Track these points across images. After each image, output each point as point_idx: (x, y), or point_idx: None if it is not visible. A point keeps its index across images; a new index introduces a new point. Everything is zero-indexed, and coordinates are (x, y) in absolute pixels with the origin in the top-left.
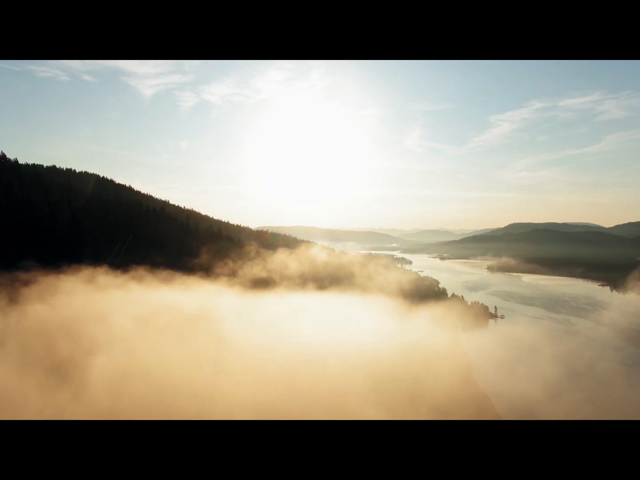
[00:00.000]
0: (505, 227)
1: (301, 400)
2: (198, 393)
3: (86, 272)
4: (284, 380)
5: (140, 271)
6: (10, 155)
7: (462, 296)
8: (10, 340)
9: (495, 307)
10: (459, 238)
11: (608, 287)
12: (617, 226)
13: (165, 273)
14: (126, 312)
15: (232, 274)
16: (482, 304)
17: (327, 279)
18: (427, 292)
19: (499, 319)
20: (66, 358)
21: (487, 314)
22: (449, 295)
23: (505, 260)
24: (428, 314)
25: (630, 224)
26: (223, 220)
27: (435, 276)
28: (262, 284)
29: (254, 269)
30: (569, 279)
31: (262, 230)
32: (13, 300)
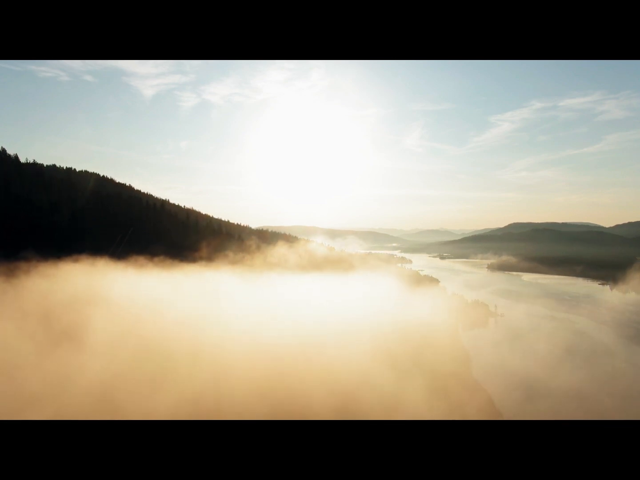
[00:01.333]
0: (505, 227)
1: (298, 377)
2: (196, 358)
3: (86, 261)
4: (282, 354)
5: (141, 260)
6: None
7: (462, 295)
8: (10, 312)
9: (496, 306)
10: (459, 238)
11: (608, 286)
12: (617, 226)
13: (165, 262)
14: (125, 289)
15: (233, 264)
16: (482, 302)
17: (328, 271)
18: (427, 291)
19: (499, 317)
20: (65, 324)
21: (487, 312)
22: (449, 293)
23: (505, 259)
24: (428, 312)
25: (630, 223)
26: (223, 219)
27: (436, 275)
28: (263, 271)
29: (255, 261)
30: (569, 277)
31: (262, 229)
32: (13, 281)
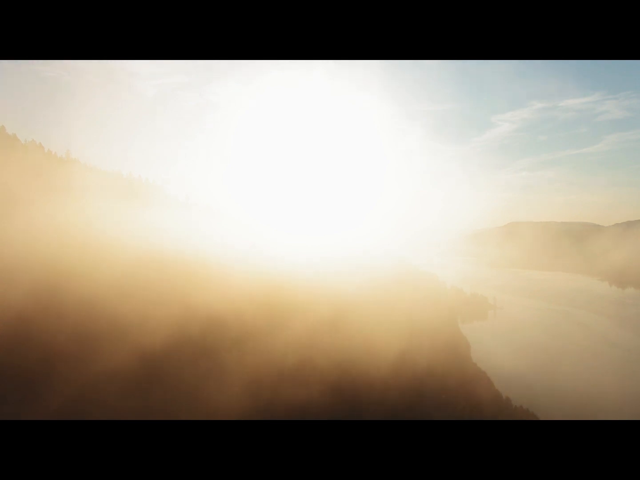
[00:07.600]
0: (505, 226)
1: None
2: None
3: None
4: None
5: None
6: None
7: (462, 289)
8: None
9: (495, 299)
10: (459, 236)
11: (607, 282)
12: (616, 225)
13: None
14: None
15: None
16: (481, 295)
17: None
18: (426, 285)
19: (498, 309)
20: None
21: (486, 305)
22: (449, 287)
23: (505, 256)
24: (428, 305)
25: (628, 222)
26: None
27: (436, 271)
28: None
29: None
30: (569, 274)
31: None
32: None
